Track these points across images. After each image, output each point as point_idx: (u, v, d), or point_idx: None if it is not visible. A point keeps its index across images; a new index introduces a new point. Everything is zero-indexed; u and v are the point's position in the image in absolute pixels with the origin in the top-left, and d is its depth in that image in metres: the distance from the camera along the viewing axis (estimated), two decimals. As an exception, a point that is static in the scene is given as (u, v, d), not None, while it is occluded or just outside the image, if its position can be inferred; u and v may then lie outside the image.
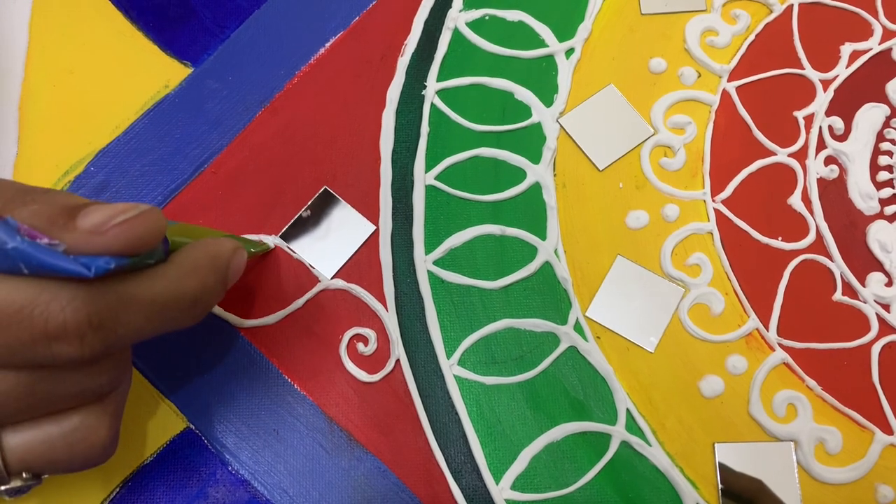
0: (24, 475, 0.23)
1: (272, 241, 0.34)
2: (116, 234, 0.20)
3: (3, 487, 0.23)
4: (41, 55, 0.37)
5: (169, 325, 0.24)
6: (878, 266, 0.34)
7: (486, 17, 0.38)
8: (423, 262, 0.34)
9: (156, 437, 0.32)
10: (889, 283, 0.34)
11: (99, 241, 0.20)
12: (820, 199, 0.35)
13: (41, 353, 0.20)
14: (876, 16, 0.38)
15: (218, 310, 0.33)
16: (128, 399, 0.32)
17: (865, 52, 0.38)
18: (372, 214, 0.35)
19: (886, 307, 0.34)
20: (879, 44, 0.38)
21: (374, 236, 0.35)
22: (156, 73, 0.37)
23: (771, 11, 0.39)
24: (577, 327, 0.33)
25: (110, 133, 0.36)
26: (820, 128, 0.37)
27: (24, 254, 0.18)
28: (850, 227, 0.35)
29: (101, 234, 0.20)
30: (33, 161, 0.36)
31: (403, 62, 0.37)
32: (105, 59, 0.37)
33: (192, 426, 0.32)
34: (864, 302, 0.34)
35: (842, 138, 0.36)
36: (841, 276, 0.34)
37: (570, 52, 0.38)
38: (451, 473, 0.31)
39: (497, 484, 0.31)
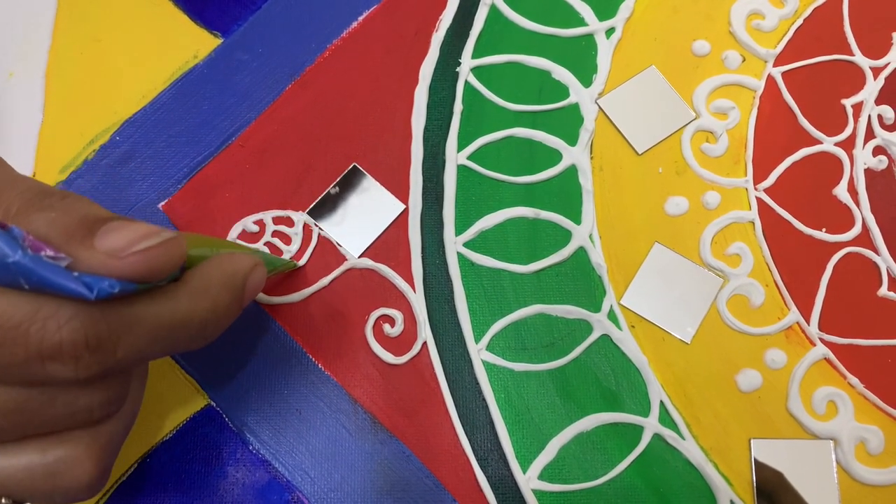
0: (2, 500, 0.22)
1: (299, 232, 0.33)
2: (134, 263, 0.19)
3: None
4: (68, 22, 0.37)
5: (176, 348, 0.23)
6: (927, 261, 0.33)
7: (524, -6, 0.37)
8: (453, 244, 0.33)
9: (176, 413, 0.31)
10: (938, 280, 0.33)
11: (115, 264, 0.19)
12: (867, 191, 0.34)
13: (34, 371, 0.19)
14: (931, 2, 0.37)
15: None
16: (148, 373, 0.32)
17: (919, 39, 0.36)
18: (401, 193, 0.34)
19: (935, 304, 0.32)
20: (934, 31, 0.36)
21: (404, 216, 0.34)
22: (185, 43, 0.36)
23: (820, -5, 0.37)
24: (611, 315, 0.32)
25: (137, 102, 0.35)
26: (869, 116, 0.35)
27: (25, 269, 0.17)
28: (898, 220, 0.34)
29: (118, 258, 0.19)
30: (58, 129, 0.35)
31: (438, 38, 0.36)
32: (133, 27, 0.37)
33: (212, 403, 0.32)
34: (912, 298, 0.33)
35: (891, 128, 0.35)
36: (887, 270, 0.33)
37: (610, 31, 0.36)
38: (477, 460, 0.31)
39: (524, 473, 0.30)
